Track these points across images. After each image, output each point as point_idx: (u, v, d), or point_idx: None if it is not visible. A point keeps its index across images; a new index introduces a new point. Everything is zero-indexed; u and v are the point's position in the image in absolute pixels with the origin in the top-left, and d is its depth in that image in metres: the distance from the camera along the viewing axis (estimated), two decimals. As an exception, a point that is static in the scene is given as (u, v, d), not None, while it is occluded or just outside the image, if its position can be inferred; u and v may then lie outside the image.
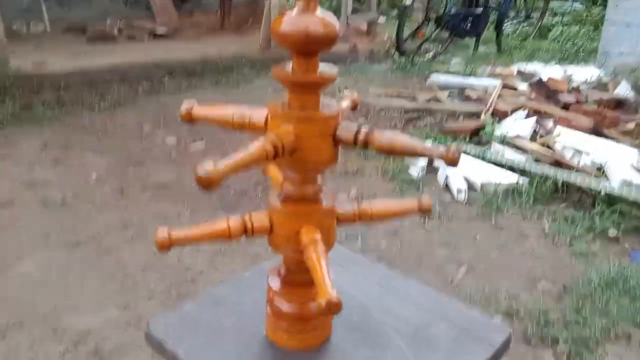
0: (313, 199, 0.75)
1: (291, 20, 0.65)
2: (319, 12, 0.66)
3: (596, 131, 2.96)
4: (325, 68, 0.71)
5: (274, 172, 0.85)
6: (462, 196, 2.49)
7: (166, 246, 0.69)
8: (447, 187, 2.61)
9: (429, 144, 0.70)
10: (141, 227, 2.24)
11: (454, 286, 1.89)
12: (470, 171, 2.64)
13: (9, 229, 2.19)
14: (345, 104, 0.81)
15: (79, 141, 3.13)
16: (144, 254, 2.05)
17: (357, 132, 0.70)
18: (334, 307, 0.60)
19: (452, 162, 0.67)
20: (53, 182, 2.61)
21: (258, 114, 0.74)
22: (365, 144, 0.70)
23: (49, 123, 3.43)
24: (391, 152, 0.71)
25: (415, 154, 0.70)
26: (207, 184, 0.58)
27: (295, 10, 0.66)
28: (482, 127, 3.11)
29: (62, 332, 1.62)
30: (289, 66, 0.70)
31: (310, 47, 0.66)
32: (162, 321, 0.88)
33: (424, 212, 0.84)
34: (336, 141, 0.71)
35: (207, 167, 0.59)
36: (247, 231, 0.73)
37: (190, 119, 0.79)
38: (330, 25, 0.66)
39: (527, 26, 6.86)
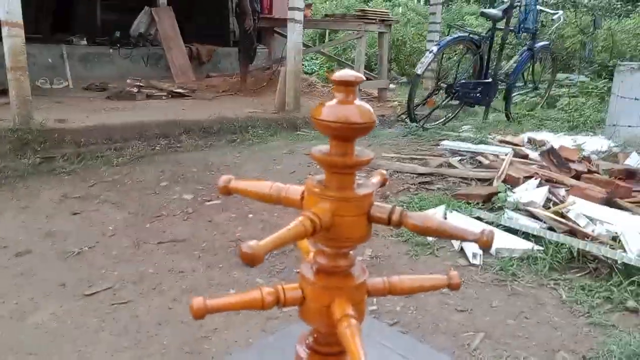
0: (345, 273, 0.78)
1: (331, 110, 0.70)
2: (357, 102, 0.71)
3: (609, 201, 2.98)
4: (360, 151, 0.75)
5: (303, 242, 0.88)
6: (478, 261, 2.48)
7: (201, 314, 0.72)
8: (462, 250, 2.60)
9: (461, 226, 0.73)
10: (156, 280, 2.24)
11: (471, 353, 1.86)
12: (484, 236, 2.65)
13: (26, 278, 2.20)
14: (376, 180, 0.85)
15: (97, 194, 3.19)
16: (158, 308, 2.04)
17: (392, 213, 0.74)
18: None
19: (486, 245, 0.71)
20: (70, 233, 2.64)
21: (293, 190, 0.79)
22: (399, 224, 0.74)
23: (69, 176, 3.51)
24: (425, 233, 0.74)
25: (449, 236, 0.73)
26: (251, 260, 0.62)
27: (334, 100, 0.71)
28: (495, 194, 3.14)
29: (76, 386, 1.60)
30: (327, 148, 0.75)
31: (348, 134, 0.71)
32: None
33: (454, 288, 0.86)
34: (370, 219, 0.75)
35: (252, 244, 0.62)
36: (279, 302, 0.76)
37: (227, 191, 0.83)
38: (367, 115, 0.71)
39: (534, 96, 7.04)
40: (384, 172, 0.88)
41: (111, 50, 7.25)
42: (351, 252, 0.79)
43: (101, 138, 4.29)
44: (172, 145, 4.44)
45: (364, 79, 0.75)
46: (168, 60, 7.61)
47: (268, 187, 0.80)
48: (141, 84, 6.63)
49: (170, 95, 6.33)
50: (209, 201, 3.15)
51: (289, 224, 0.69)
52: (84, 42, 7.32)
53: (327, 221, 0.71)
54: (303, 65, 9.57)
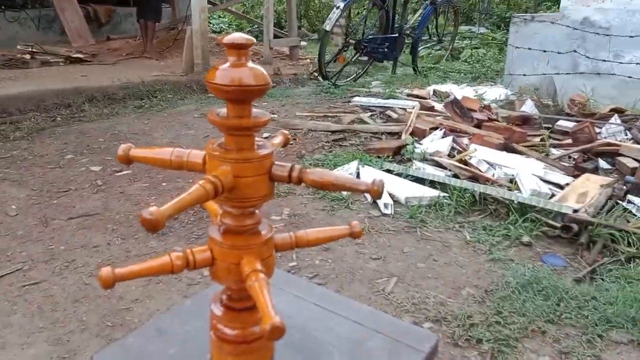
0: (252, 231, 0.81)
1: (224, 73, 0.72)
2: (250, 64, 0.73)
3: (507, 146, 3.21)
4: (258, 113, 0.77)
5: (211, 204, 0.90)
6: (389, 211, 2.61)
7: (110, 283, 0.72)
8: (374, 202, 2.72)
9: (354, 178, 0.78)
10: (69, 257, 2.17)
11: (386, 297, 1.99)
12: (394, 187, 2.78)
13: None
14: (278, 140, 0.88)
15: (-5, 172, 2.99)
16: (74, 285, 1.99)
17: (291, 170, 0.77)
18: (278, 332, 0.65)
19: (376, 194, 0.76)
20: (-32, 217, 2.48)
21: (195, 154, 0.80)
22: (300, 180, 0.77)
23: (-41, 154, 3.25)
24: (322, 187, 0.79)
25: (344, 188, 0.78)
26: (152, 226, 0.63)
27: (227, 64, 0.72)
28: (404, 146, 3.28)
29: (-10, 372, 1.55)
30: (224, 112, 0.76)
31: (243, 97, 0.73)
32: (107, 355, 0.89)
33: (356, 236, 0.92)
34: (271, 178, 0.78)
35: (152, 210, 0.63)
36: (189, 265, 0.78)
37: (127, 160, 0.82)
38: (261, 77, 0.73)
39: (439, 49, 7.30)
40: (286, 132, 0.91)
41: (-5, 14, 6.63)
42: (257, 210, 0.82)
43: (-7, 111, 3.98)
44: (74, 115, 4.20)
45: (255, 41, 0.77)
46: (62, 22, 7.08)
47: (169, 153, 0.80)
48: (34, 50, 6.15)
49: (68, 61, 5.94)
50: (119, 172, 3.04)
51: (188, 188, 0.70)
52: (-37, 5, 6.63)
53: (228, 183, 0.73)
54: (210, 24, 9.26)
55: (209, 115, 0.76)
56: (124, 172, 3.03)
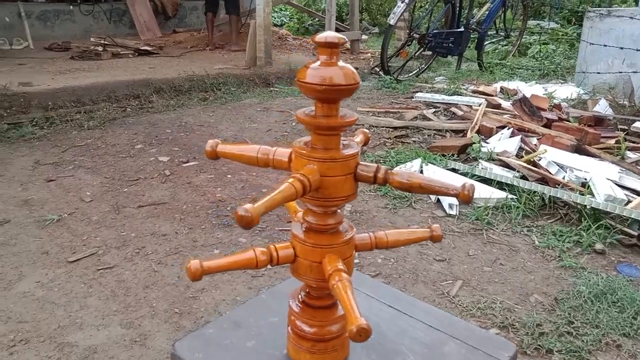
0: (334, 230, 0.81)
1: (315, 72, 0.71)
2: (340, 63, 0.72)
3: (579, 148, 3.07)
4: (346, 112, 0.76)
5: (290, 202, 0.90)
6: (454, 211, 2.56)
7: (198, 276, 0.74)
8: (438, 202, 2.67)
9: (443, 181, 0.76)
10: (139, 244, 2.25)
11: (451, 300, 1.95)
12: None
13: (7, 248, 2.19)
14: (359, 139, 0.87)
15: (71, 160, 3.14)
16: (144, 272, 2.06)
17: (377, 171, 0.76)
18: (364, 334, 0.64)
19: (467, 199, 0.74)
20: (47, 201, 2.61)
21: (281, 152, 0.80)
22: (385, 181, 0.76)
23: (39, 142, 3.43)
24: (409, 189, 0.77)
25: (433, 192, 0.76)
26: (247, 223, 0.64)
27: (317, 62, 0.72)
28: (469, 145, 3.20)
29: (69, 350, 1.63)
30: (311, 110, 0.76)
31: (333, 96, 0.72)
32: (188, 344, 0.92)
33: (436, 240, 0.90)
34: (356, 178, 0.77)
35: (247, 207, 0.64)
36: (272, 260, 0.78)
37: (215, 156, 0.84)
38: (351, 77, 0.72)
39: (506, 45, 7.06)
40: (366, 130, 0.90)
41: (71, 7, 6.94)
42: (338, 210, 0.82)
43: (69, 101, 4.18)
44: (143, 106, 4.36)
45: (347, 40, 0.76)
46: (132, 16, 7.35)
47: (255, 150, 0.81)
48: (106, 42, 6.41)
49: (136, 53, 6.15)
50: (185, 162, 3.13)
51: (278, 186, 0.71)
52: (42, -2, 6.98)
53: (315, 182, 0.73)
54: (272, 17, 9.36)
55: (297, 114, 0.76)
56: (191, 163, 3.11)
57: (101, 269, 2.07)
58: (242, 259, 0.77)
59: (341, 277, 0.73)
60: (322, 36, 0.72)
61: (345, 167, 0.76)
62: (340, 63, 0.72)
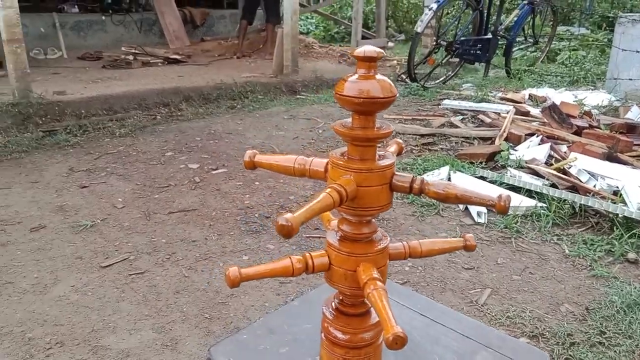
0: (368, 239, 0.82)
1: (353, 85, 0.73)
2: (378, 76, 0.73)
3: (610, 156, 3.02)
4: (382, 124, 0.78)
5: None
6: (483, 220, 2.54)
7: (237, 283, 0.76)
8: (466, 209, 2.66)
9: (479, 192, 0.77)
10: (170, 250, 2.30)
11: (479, 309, 1.93)
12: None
13: (43, 253, 2.26)
14: (393, 149, 0.88)
15: (103, 167, 3.22)
16: (175, 277, 2.10)
17: (413, 182, 0.77)
18: (400, 342, 0.65)
19: (503, 210, 0.74)
20: (81, 207, 2.69)
21: (317, 163, 0.82)
22: (420, 192, 0.77)
23: (73, 149, 3.53)
24: (445, 200, 0.78)
25: (470, 202, 0.77)
26: (287, 232, 0.65)
27: (355, 75, 0.73)
28: (498, 152, 3.18)
29: (103, 353, 1.67)
30: (348, 121, 0.78)
31: (370, 109, 0.74)
32: (223, 349, 0.94)
33: (469, 249, 0.91)
34: (392, 189, 0.78)
35: (287, 216, 0.66)
36: (308, 269, 0.80)
37: (252, 166, 0.86)
38: (388, 89, 0.73)
39: (535, 51, 6.98)
40: (400, 141, 0.91)
41: (104, 17, 7.13)
42: (373, 219, 0.83)
43: (101, 109, 4.29)
44: (172, 114, 4.44)
45: (385, 54, 0.77)
46: (162, 26, 7.50)
47: (292, 160, 0.83)
48: (136, 51, 6.56)
49: (166, 62, 6.28)
50: (215, 170, 3.18)
51: (316, 196, 0.72)
52: (76, 9, 7.18)
53: (352, 192, 0.75)
54: (298, 25, 9.43)
55: (334, 126, 0.78)
56: (220, 171, 3.16)
57: (133, 274, 2.12)
58: (279, 266, 0.79)
59: (376, 285, 0.75)
60: (360, 50, 0.74)
61: (381, 178, 0.77)
62: (378, 76, 0.74)
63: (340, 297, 0.87)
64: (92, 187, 2.93)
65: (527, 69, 6.13)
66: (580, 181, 2.75)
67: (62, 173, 3.11)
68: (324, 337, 0.88)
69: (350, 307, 0.86)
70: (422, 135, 3.74)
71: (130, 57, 6.17)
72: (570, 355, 1.69)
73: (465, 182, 2.84)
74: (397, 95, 0.75)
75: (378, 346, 0.86)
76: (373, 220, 0.83)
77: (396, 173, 0.79)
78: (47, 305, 1.91)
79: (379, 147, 0.83)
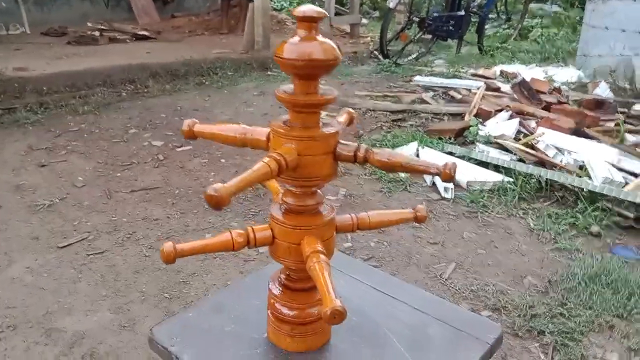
0: (314, 211, 0.78)
1: (294, 48, 0.68)
2: (320, 38, 0.69)
3: (577, 131, 3.03)
4: (325, 89, 0.74)
5: (272, 182, 0.88)
6: (449, 195, 2.53)
7: (172, 259, 0.72)
8: (434, 185, 2.65)
9: (425, 160, 0.73)
10: (131, 229, 2.23)
11: (443, 283, 1.93)
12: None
13: (-3, 234, 2.18)
14: (343, 119, 0.84)
15: (64, 145, 3.11)
16: (135, 257, 2.05)
17: (357, 150, 0.74)
18: (339, 316, 0.62)
19: (448, 178, 0.71)
20: (39, 186, 2.60)
21: (259, 132, 0.78)
22: (365, 161, 0.74)
23: (33, 127, 3.41)
24: (390, 169, 0.74)
25: (414, 170, 0.73)
26: (216, 203, 0.61)
27: (296, 37, 0.69)
28: (467, 128, 3.17)
29: (57, 335, 1.62)
30: (291, 87, 0.73)
31: (312, 72, 0.69)
32: (166, 328, 0.90)
33: (420, 220, 0.88)
34: (336, 158, 0.74)
35: (217, 186, 0.61)
36: (249, 242, 0.76)
37: (192, 135, 0.81)
38: (331, 52, 0.69)
39: (507, 28, 6.98)
40: (352, 110, 0.87)
41: (68, -8, 6.87)
42: (319, 190, 0.79)
43: (64, 86, 4.14)
44: (138, 91, 4.32)
45: (327, 14, 0.73)
46: (130, 0, 7.27)
47: (233, 129, 0.79)
48: (103, 27, 6.35)
49: (134, 38, 6.09)
50: (179, 147, 3.11)
51: (252, 166, 0.68)
52: (38, -17, 6.89)
53: (292, 161, 0.71)
54: (271, 1, 9.25)
55: (276, 92, 0.73)
56: (185, 148, 3.09)
57: (91, 254, 2.06)
58: (218, 241, 0.75)
59: (319, 258, 0.71)
60: (300, 9, 0.69)
61: (324, 146, 0.73)
62: (320, 38, 0.69)
63: (287, 272, 0.84)
64: (52, 165, 2.84)
65: (499, 46, 6.13)
66: (547, 156, 2.76)
67: (20, 151, 3.00)
68: (270, 313, 0.85)
69: (297, 281, 0.83)
70: (393, 112, 3.71)
71: (97, 33, 5.97)
72: (531, 326, 1.69)
73: (433, 157, 2.82)
74: (340, 58, 0.70)
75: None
76: (319, 191, 0.80)
77: (340, 142, 0.75)
78: (0, 287, 1.84)
79: (332, 117, 0.79)
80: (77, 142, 3.16)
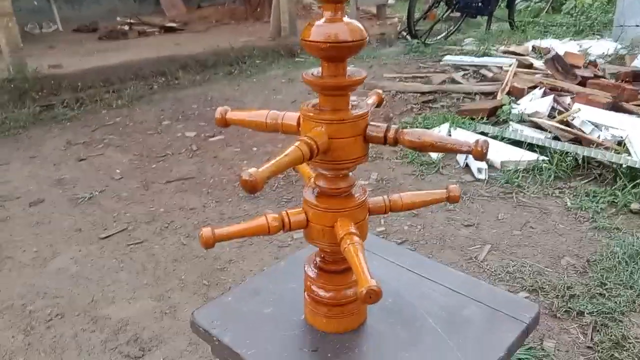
0: (346, 194, 0.79)
1: (320, 30, 0.68)
2: (346, 19, 0.69)
3: (615, 105, 2.94)
4: (353, 71, 0.74)
5: (304, 167, 0.89)
6: (483, 175, 2.50)
7: (211, 243, 0.73)
8: (467, 167, 2.62)
9: (456, 138, 0.73)
10: (168, 219, 2.29)
11: (479, 265, 1.92)
12: (490, 151, 2.65)
13: (42, 226, 2.26)
14: (372, 100, 0.84)
15: (101, 139, 3.20)
16: (173, 245, 2.10)
17: (387, 131, 0.74)
18: (374, 295, 0.63)
19: (480, 155, 0.71)
20: (79, 180, 2.68)
21: (290, 116, 0.78)
22: (396, 142, 0.74)
23: (70, 122, 3.51)
24: (422, 148, 0.74)
25: (445, 149, 0.73)
26: (251, 187, 0.62)
27: (322, 19, 0.69)
28: (499, 107, 3.11)
29: (103, 323, 1.68)
30: (318, 71, 0.73)
31: (339, 54, 0.70)
32: (207, 312, 0.93)
33: (453, 200, 0.87)
34: (366, 139, 0.75)
35: (251, 171, 0.62)
36: (284, 226, 0.77)
37: (225, 123, 0.83)
38: (357, 32, 0.68)
39: (539, 1, 6.78)
40: (380, 91, 0.87)
41: (97, -12, 6.99)
42: (350, 173, 0.80)
43: (98, 81, 4.23)
44: (169, 83, 4.38)
45: None
46: (157, -6, 7.35)
47: (264, 115, 0.80)
48: (132, 21, 6.45)
49: (162, 31, 6.18)
50: (212, 137, 3.15)
51: (285, 150, 0.69)
52: (68, -19, 7.03)
53: (323, 144, 0.71)
54: (296, -13, 9.20)
55: (304, 75, 0.74)
56: (217, 138, 3.13)
57: (131, 244, 2.12)
58: (254, 225, 0.76)
59: (352, 240, 0.72)
60: None
61: (354, 128, 0.73)
62: (346, 19, 0.70)
63: (322, 255, 0.85)
64: (90, 159, 2.92)
65: (531, 20, 5.96)
66: (584, 132, 2.69)
67: (59, 147, 3.10)
68: (307, 296, 0.86)
69: (331, 264, 0.84)
70: (423, 93, 3.67)
71: (126, 28, 6.08)
72: (569, 307, 1.67)
73: (465, 138, 2.79)
74: (367, 38, 0.70)
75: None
76: (351, 174, 0.80)
77: (371, 123, 0.75)
78: (46, 278, 1.92)
79: (361, 99, 0.80)
80: (113, 135, 3.24)
